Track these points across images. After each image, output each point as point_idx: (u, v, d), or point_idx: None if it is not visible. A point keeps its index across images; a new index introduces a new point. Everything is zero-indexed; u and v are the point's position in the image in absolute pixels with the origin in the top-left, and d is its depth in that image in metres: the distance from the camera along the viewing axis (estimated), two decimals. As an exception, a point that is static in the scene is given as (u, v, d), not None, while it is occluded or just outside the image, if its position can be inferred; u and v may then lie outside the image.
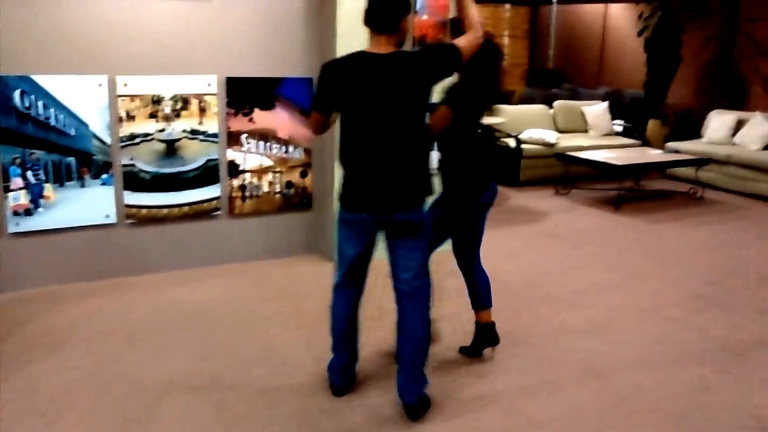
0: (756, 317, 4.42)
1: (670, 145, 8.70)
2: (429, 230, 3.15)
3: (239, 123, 4.85)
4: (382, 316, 4.16)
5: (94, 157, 4.48)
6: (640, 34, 9.19)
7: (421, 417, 3.11)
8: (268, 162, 5.00)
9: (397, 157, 3.00)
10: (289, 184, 5.11)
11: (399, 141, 3.00)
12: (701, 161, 7.98)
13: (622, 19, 10.51)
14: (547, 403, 3.30)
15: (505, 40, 11.82)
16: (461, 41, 3.03)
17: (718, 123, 8.67)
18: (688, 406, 3.31)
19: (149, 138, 4.60)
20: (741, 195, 7.97)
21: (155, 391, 3.30)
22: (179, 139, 4.69)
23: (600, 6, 10.99)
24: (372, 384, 3.41)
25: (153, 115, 4.58)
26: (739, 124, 8.50)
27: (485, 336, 3.69)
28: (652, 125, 9.28)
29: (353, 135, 3.04)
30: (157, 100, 4.57)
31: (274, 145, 4.99)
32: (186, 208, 4.81)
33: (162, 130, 4.63)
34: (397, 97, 2.97)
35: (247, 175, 4.96)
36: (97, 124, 4.44)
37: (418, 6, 4.95)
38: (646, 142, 9.18)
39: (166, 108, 4.61)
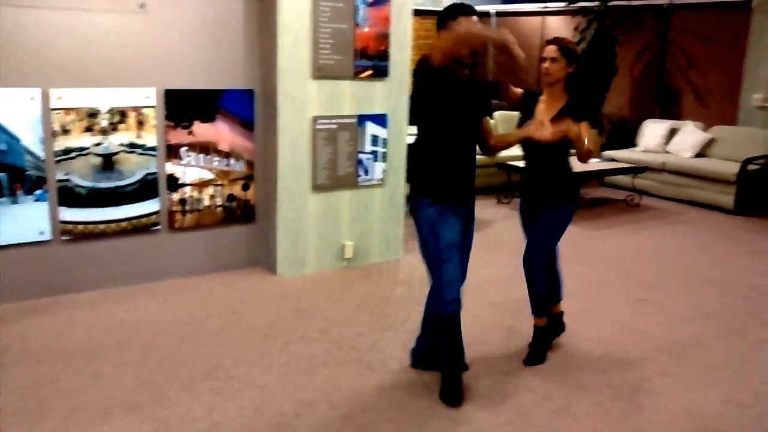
0: (695, 319, 4.55)
1: (607, 153, 8.93)
2: (419, 228, 3.44)
3: (179, 136, 4.77)
4: (329, 328, 4.15)
5: (27, 173, 4.33)
6: (576, 45, 9.42)
7: None
8: (208, 175, 4.92)
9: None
10: (230, 197, 5.04)
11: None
12: (637, 169, 8.20)
13: (559, 31, 10.73)
14: (495, 409, 3.32)
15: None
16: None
17: (652, 132, 8.93)
18: (629, 407, 3.37)
19: (85, 152, 4.48)
20: (675, 201, 8.23)
21: (95, 412, 3.19)
22: (116, 153, 4.58)
23: (537, 18, 11.22)
24: (321, 399, 3.37)
25: (89, 129, 4.46)
26: (672, 133, 8.78)
27: (556, 325, 4.03)
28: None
29: None
30: (93, 114, 4.45)
31: (215, 158, 4.92)
32: (124, 224, 4.69)
33: (98, 144, 4.51)
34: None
35: (188, 189, 4.86)
36: (30, 138, 4.30)
37: (359, 18, 4.97)
38: (584, 151, 9.39)
39: (103, 121, 4.50)
